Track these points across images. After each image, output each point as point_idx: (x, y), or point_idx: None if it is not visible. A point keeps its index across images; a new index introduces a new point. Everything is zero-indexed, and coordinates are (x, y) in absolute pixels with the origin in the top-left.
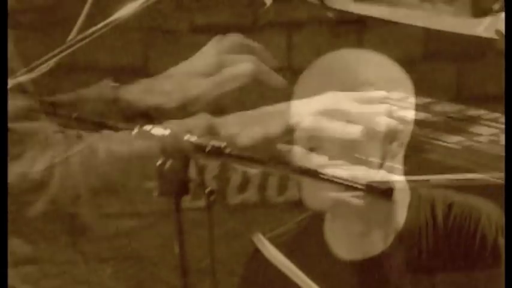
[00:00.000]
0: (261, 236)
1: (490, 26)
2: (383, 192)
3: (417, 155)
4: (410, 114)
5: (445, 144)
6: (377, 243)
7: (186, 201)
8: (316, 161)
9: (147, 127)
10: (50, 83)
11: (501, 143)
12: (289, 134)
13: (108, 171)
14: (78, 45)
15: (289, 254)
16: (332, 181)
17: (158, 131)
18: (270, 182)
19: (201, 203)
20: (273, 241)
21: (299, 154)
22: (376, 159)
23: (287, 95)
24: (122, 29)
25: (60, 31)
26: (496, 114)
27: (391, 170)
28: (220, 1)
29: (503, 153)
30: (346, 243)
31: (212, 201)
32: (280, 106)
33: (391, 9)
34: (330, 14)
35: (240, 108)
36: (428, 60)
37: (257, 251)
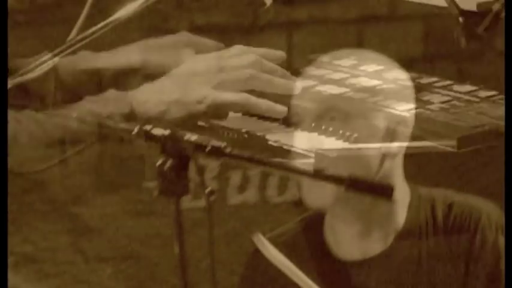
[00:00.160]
0: (261, 236)
1: None
2: (381, 188)
3: (367, 122)
4: (365, 82)
5: (395, 111)
6: (377, 243)
7: (186, 201)
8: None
9: (147, 127)
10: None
11: (451, 111)
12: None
13: (111, 149)
14: (78, 45)
15: (289, 254)
16: (280, 148)
17: (158, 131)
18: (270, 182)
19: (201, 203)
20: (273, 241)
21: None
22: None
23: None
24: (121, 29)
25: (60, 31)
26: (448, 82)
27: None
28: (220, 1)
29: (454, 122)
30: (346, 243)
31: (212, 201)
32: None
33: None
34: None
35: None
36: (428, 60)
37: (257, 251)
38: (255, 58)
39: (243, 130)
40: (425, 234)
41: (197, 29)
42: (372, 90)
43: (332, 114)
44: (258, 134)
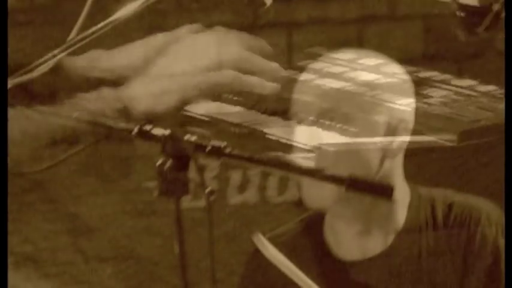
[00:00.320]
0: (261, 236)
1: None
2: (381, 188)
3: (366, 117)
4: (364, 76)
5: (395, 106)
6: (377, 243)
7: (186, 201)
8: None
9: (147, 127)
10: (50, 83)
11: (450, 105)
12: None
13: (111, 149)
14: (78, 45)
15: (289, 254)
16: (279, 142)
17: (158, 131)
18: (270, 182)
19: (201, 203)
20: (273, 241)
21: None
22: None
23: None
24: (121, 29)
25: (60, 31)
26: (448, 76)
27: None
28: (220, 1)
29: (453, 116)
30: (346, 243)
31: (212, 201)
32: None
33: None
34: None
35: None
36: (428, 60)
37: (257, 251)
38: (238, 56)
39: (243, 124)
40: (425, 234)
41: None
42: (370, 84)
43: (332, 109)
44: (258, 128)
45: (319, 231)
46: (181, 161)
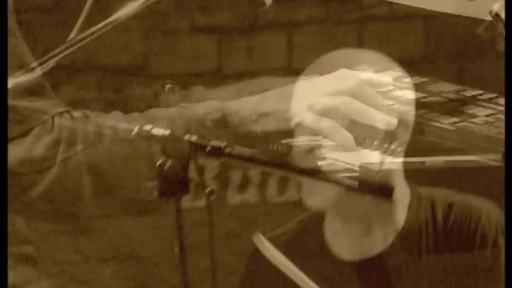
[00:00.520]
0: (261, 236)
1: (485, 8)
2: (381, 188)
3: (412, 136)
4: (409, 95)
5: (440, 125)
6: (377, 243)
7: (186, 201)
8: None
9: (147, 127)
10: (50, 83)
11: (496, 124)
12: (297, 129)
13: (113, 151)
14: (78, 45)
15: (289, 254)
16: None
17: (158, 131)
18: (270, 182)
19: (201, 203)
20: (273, 241)
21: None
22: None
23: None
24: (121, 29)
25: (60, 31)
26: (492, 95)
27: (391, 152)
28: (220, 1)
29: (498, 136)
30: (346, 243)
31: (212, 201)
32: (288, 91)
33: None
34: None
35: None
36: (428, 60)
37: (257, 251)
38: (356, 82)
39: (289, 143)
40: (425, 234)
41: (197, 29)
42: (416, 103)
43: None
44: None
45: (319, 231)
46: (181, 161)
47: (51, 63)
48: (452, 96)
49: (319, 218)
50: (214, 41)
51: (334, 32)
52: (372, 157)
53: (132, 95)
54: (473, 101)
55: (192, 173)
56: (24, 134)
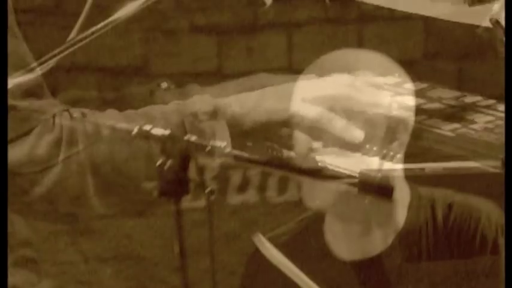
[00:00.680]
0: (261, 236)
1: (484, 14)
2: (381, 188)
3: (412, 142)
4: (409, 101)
5: (439, 131)
6: (377, 243)
7: (186, 201)
8: (312, 147)
9: (147, 127)
10: (50, 83)
11: (496, 131)
12: (292, 120)
13: (111, 149)
14: (78, 45)
15: (289, 254)
16: (327, 169)
17: (158, 131)
18: (270, 182)
19: (201, 203)
20: (273, 241)
21: (300, 140)
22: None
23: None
24: (121, 29)
25: (60, 31)
26: (492, 101)
27: (389, 158)
28: (220, 1)
29: (498, 142)
30: (346, 243)
31: (212, 201)
32: (285, 88)
33: None
34: (328, 1)
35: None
36: (429, 60)
37: (257, 251)
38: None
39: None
40: (425, 234)
41: (197, 29)
42: (416, 110)
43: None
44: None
45: (319, 231)
46: (181, 161)
47: (51, 63)
48: (452, 102)
49: (319, 218)
50: (214, 41)
51: (334, 32)
52: (372, 163)
53: (132, 95)
54: (472, 107)
55: (192, 173)
56: (26, 134)
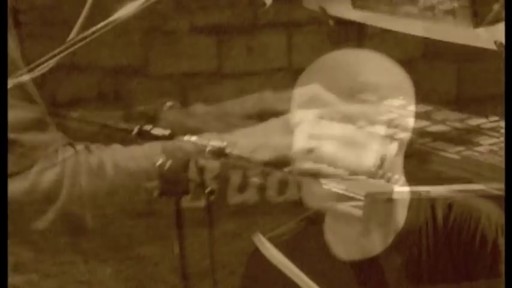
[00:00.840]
0: (261, 236)
1: (489, 37)
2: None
3: (418, 165)
4: (411, 122)
5: (444, 153)
6: (377, 243)
7: (186, 201)
8: (315, 168)
9: (147, 127)
10: (50, 83)
11: (500, 153)
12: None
13: (115, 186)
14: (78, 45)
15: (289, 254)
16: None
17: (158, 131)
18: (270, 182)
19: (201, 203)
20: (273, 241)
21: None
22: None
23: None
24: (121, 29)
25: (60, 31)
26: (496, 123)
27: (391, 181)
28: (220, 1)
29: (502, 164)
30: (346, 243)
31: (212, 201)
32: (286, 122)
33: (391, 17)
34: (331, 22)
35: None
36: (428, 60)
37: (257, 251)
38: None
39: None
40: (425, 234)
41: (197, 29)
42: (420, 132)
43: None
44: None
45: (319, 231)
46: (181, 161)
47: (51, 63)
48: (457, 124)
49: (319, 218)
50: (214, 41)
51: (334, 32)
52: (377, 186)
53: (132, 95)
54: (477, 129)
55: (192, 173)
56: (28, 167)
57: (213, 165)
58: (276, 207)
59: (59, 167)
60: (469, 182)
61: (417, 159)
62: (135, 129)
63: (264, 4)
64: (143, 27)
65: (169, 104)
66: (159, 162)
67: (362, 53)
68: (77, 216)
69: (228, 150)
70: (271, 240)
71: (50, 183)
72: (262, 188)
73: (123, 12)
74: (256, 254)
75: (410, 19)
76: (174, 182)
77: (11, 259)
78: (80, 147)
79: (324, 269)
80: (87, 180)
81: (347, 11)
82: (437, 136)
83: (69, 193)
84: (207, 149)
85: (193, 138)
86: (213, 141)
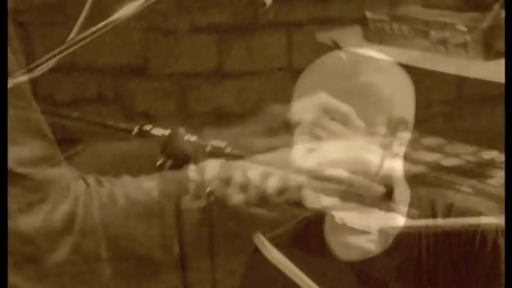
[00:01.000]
0: (261, 236)
1: (501, 69)
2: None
3: (429, 198)
4: (424, 156)
5: (458, 187)
6: (377, 243)
7: (186, 201)
8: (327, 202)
9: (147, 127)
10: (50, 83)
11: None
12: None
13: (127, 218)
14: (78, 45)
15: (289, 254)
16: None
17: (158, 131)
18: (270, 182)
19: (201, 203)
20: (273, 241)
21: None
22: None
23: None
24: (121, 29)
25: (60, 31)
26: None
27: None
28: (220, 1)
29: None
30: (346, 243)
31: (212, 201)
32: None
33: (404, 51)
34: (344, 55)
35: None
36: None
37: (257, 251)
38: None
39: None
40: (425, 234)
41: (197, 29)
42: (433, 165)
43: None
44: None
45: (319, 231)
46: (181, 161)
47: (51, 63)
48: (470, 158)
49: (319, 218)
50: (214, 41)
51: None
52: (384, 218)
53: (132, 95)
54: (490, 162)
55: (192, 173)
56: (39, 202)
57: (213, 165)
58: (276, 207)
59: (71, 200)
60: (481, 214)
61: (430, 192)
62: (135, 129)
63: (264, 4)
64: (143, 27)
65: (181, 131)
66: (159, 162)
67: (362, 53)
68: (90, 251)
69: (227, 150)
70: (271, 240)
71: (63, 218)
72: (262, 188)
73: (123, 12)
74: (256, 254)
75: (423, 52)
76: (174, 181)
77: None
78: (91, 180)
79: (324, 269)
80: (99, 215)
81: (359, 44)
82: (450, 169)
83: (82, 227)
84: (207, 149)
85: (193, 138)
86: (213, 141)
